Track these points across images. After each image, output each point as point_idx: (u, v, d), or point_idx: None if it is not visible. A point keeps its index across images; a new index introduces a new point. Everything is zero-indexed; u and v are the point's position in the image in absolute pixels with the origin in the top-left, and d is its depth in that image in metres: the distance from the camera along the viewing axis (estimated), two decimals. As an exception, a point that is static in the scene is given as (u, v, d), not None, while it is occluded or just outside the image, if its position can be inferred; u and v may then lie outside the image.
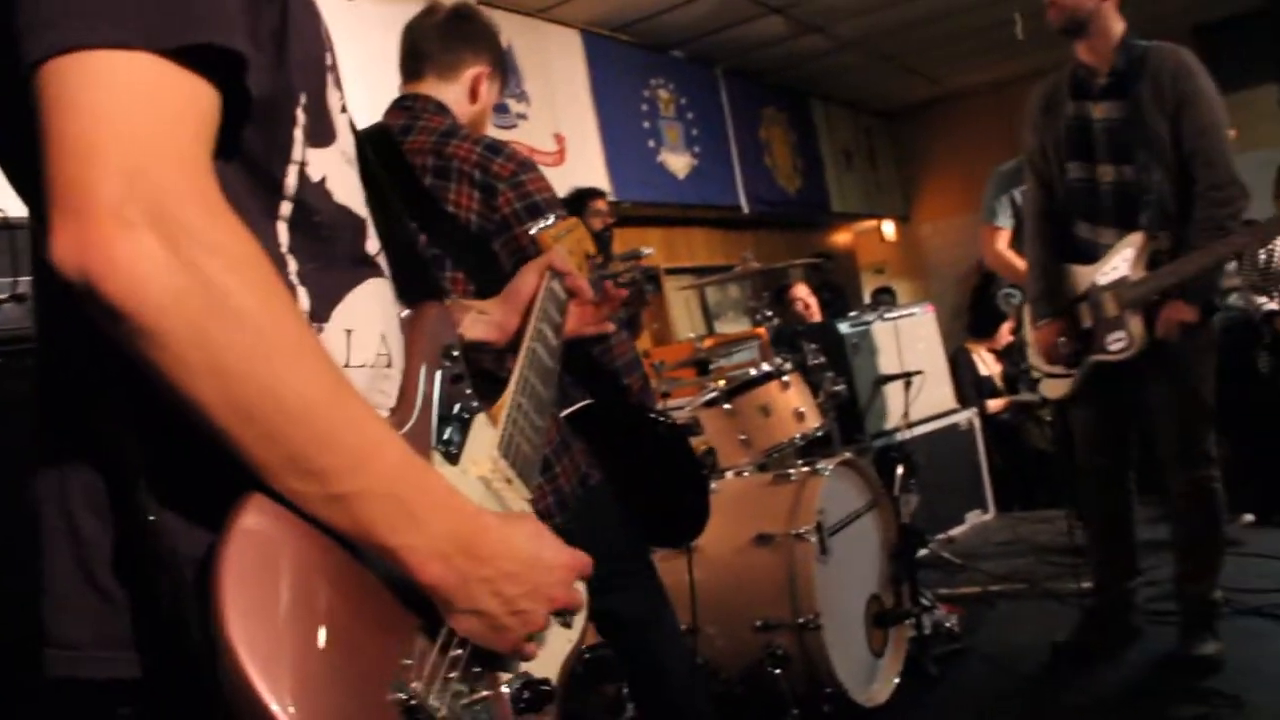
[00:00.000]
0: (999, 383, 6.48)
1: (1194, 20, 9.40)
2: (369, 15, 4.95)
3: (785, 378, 3.74)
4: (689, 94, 7.74)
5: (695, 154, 7.65)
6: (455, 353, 1.15)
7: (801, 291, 6.00)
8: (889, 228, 11.45)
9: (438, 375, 1.10)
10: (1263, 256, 5.35)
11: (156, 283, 0.75)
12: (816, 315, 5.99)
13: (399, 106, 2.34)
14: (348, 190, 1.04)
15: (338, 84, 1.06)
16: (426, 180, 2.15)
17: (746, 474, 3.78)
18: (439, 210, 2.13)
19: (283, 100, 0.94)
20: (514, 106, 6.02)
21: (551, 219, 1.68)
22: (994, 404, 6.32)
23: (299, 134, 0.96)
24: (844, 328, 5.46)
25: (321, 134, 1.00)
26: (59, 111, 0.76)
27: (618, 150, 6.77)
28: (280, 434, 0.81)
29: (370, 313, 1.04)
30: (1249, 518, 4.73)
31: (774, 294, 6.13)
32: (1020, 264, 4.29)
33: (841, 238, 11.35)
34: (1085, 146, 3.43)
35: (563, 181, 6.18)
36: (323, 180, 0.99)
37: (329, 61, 1.04)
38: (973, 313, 9.73)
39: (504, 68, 2.52)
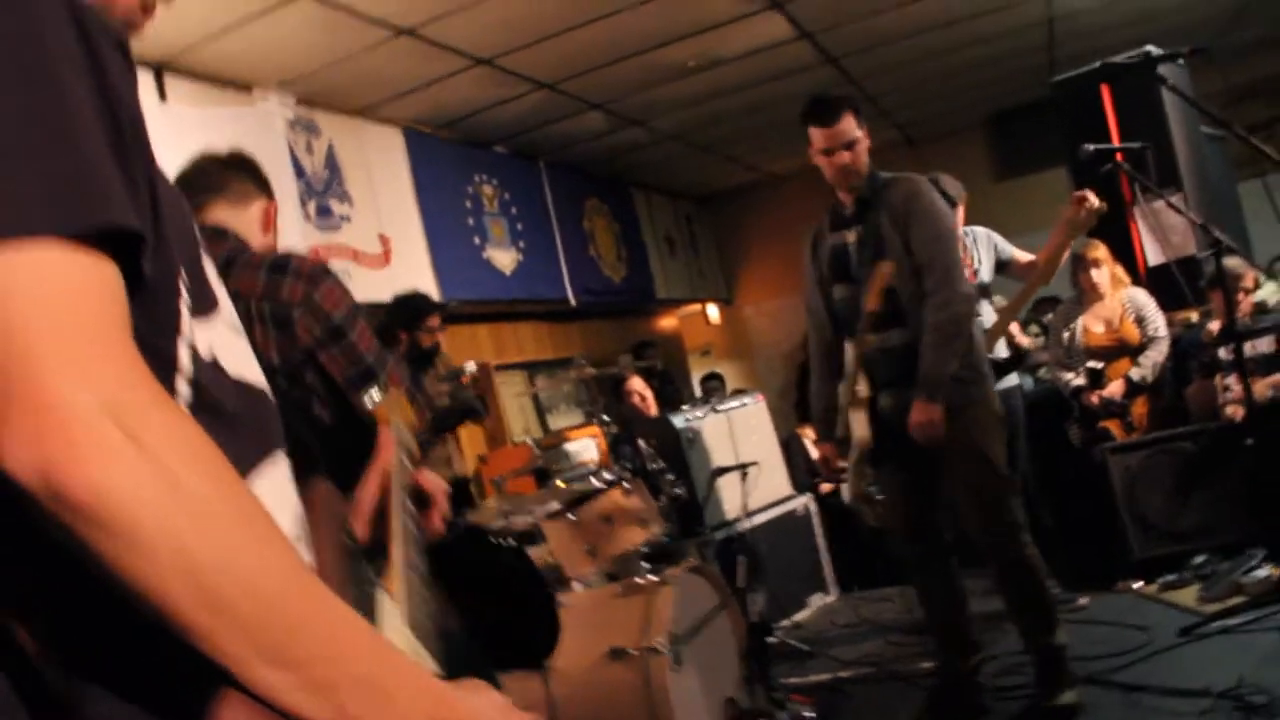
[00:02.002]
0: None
1: (987, 110, 9.99)
2: (185, 117, 4.81)
3: (626, 484, 3.72)
4: (512, 188, 7.76)
5: (520, 248, 7.65)
6: (349, 530, 1.11)
7: (637, 385, 6.02)
8: (713, 311, 11.67)
9: (343, 556, 1.08)
10: (1066, 334, 5.65)
11: (123, 477, 0.70)
12: (653, 407, 6.01)
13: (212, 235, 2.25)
14: (240, 361, 1.00)
15: (205, 248, 1.01)
16: None
17: (594, 585, 3.73)
18: None
19: (163, 275, 0.89)
20: (337, 208, 5.91)
21: (375, 390, 1.61)
22: (826, 486, 6.44)
23: (183, 307, 0.91)
24: (679, 422, 5.49)
25: (204, 304, 0.96)
26: None
27: (443, 249, 6.71)
28: (255, 624, 0.76)
29: (282, 492, 0.99)
30: (1083, 601, 4.87)
31: (610, 388, 6.15)
32: None
33: (667, 322, 11.49)
34: (844, 269, 3.79)
35: (389, 283, 6.08)
36: (213, 355, 0.95)
37: (196, 232, 1.00)
38: (799, 392, 10.00)
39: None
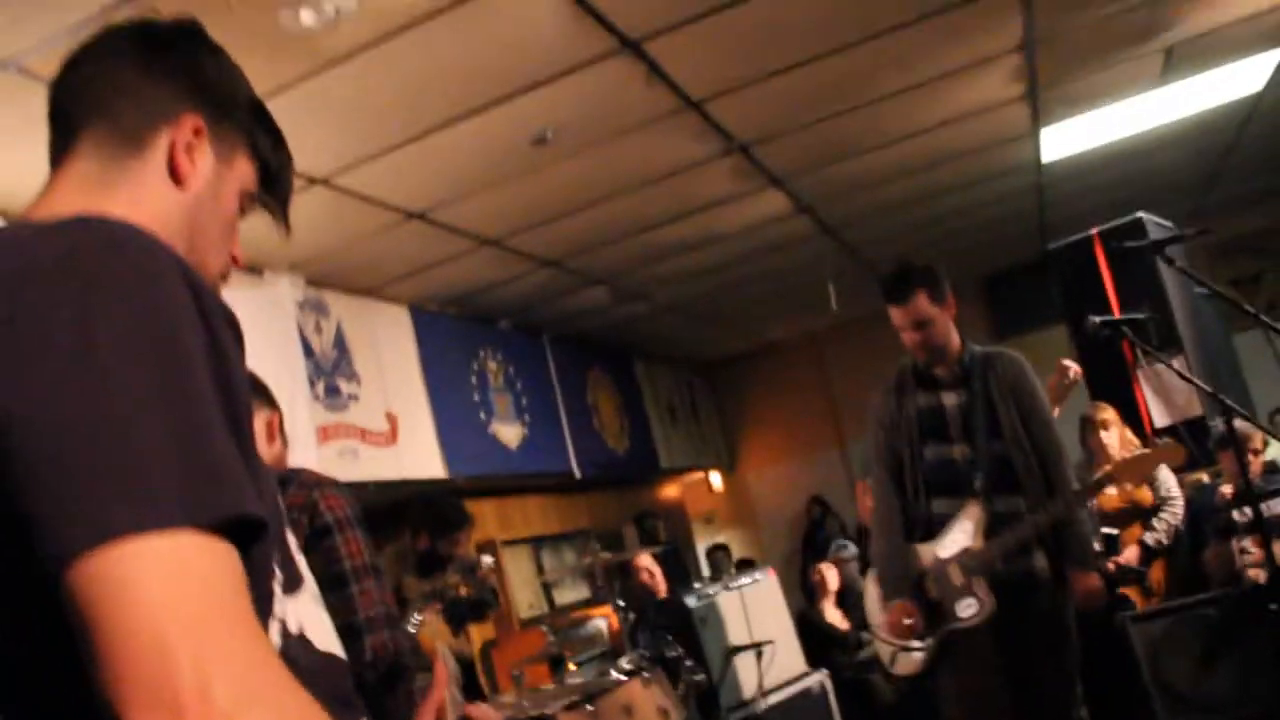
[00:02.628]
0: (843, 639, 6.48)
1: (984, 272, 10.17)
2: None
3: (646, 674, 3.63)
4: (517, 363, 7.81)
5: (525, 422, 7.65)
6: None
7: (645, 561, 5.94)
8: (716, 478, 11.63)
9: None
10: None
11: None
12: (661, 585, 5.91)
13: None
14: (323, 634, 1.02)
15: (286, 522, 1.06)
16: None
17: (614, 779, 3.60)
18: None
19: (264, 555, 0.92)
20: (345, 387, 5.93)
21: (416, 618, 1.60)
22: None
23: (277, 587, 0.95)
24: (690, 601, 5.41)
25: (292, 580, 0.99)
26: (115, 606, 0.72)
27: (449, 425, 6.71)
28: None
29: None
30: None
31: (617, 565, 6.06)
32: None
33: (670, 491, 11.44)
34: (940, 429, 3.76)
35: (395, 462, 6.07)
36: (301, 631, 0.98)
37: (280, 503, 1.04)
38: (804, 558, 9.89)
39: None
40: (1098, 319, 4.66)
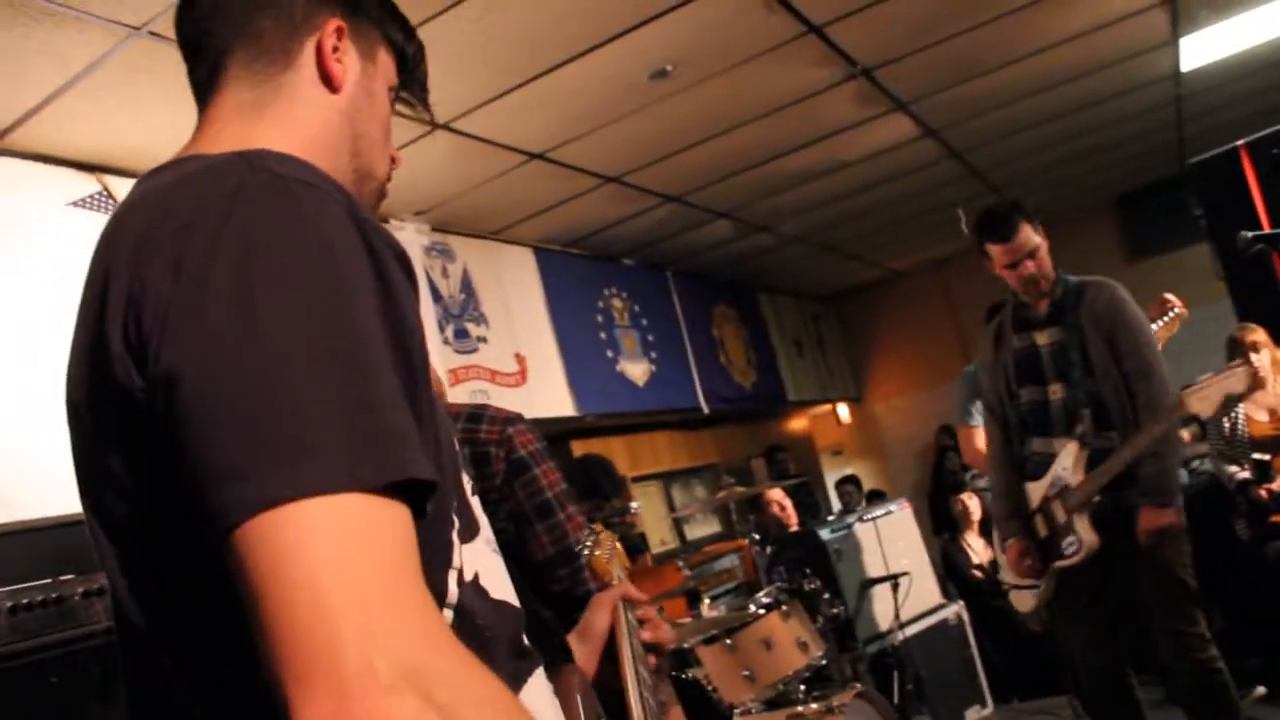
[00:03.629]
0: (987, 570, 6.38)
1: (1117, 191, 9.79)
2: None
3: (785, 607, 3.63)
4: (642, 300, 7.81)
5: (652, 359, 7.66)
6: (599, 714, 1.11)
7: (776, 495, 5.91)
8: (844, 410, 11.52)
9: None
10: (1227, 424, 5.39)
11: None
12: (793, 518, 5.89)
13: None
14: (499, 582, 1.01)
15: (464, 465, 1.05)
16: None
17: (754, 712, 3.61)
18: None
19: (442, 507, 0.90)
20: (473, 330, 6.01)
21: (591, 536, 1.62)
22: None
23: (455, 537, 0.93)
24: (825, 534, 5.38)
25: (469, 529, 0.97)
26: (277, 575, 0.70)
27: (577, 364, 6.76)
28: None
29: (543, 710, 1.00)
30: (1260, 690, 4.61)
31: (749, 504, 6.06)
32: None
33: (798, 424, 11.38)
34: (1035, 371, 3.74)
35: (526, 401, 6.14)
36: (475, 578, 0.96)
37: (456, 446, 1.02)
38: (933, 486, 9.77)
39: None
40: (1249, 234, 4.44)
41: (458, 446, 2.06)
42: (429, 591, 0.76)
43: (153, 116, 3.82)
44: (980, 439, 4.77)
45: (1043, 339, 3.72)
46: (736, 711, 3.57)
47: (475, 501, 1.03)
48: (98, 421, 0.86)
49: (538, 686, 1.01)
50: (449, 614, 0.90)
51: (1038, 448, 3.75)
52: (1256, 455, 5.27)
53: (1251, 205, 5.60)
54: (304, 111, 1.06)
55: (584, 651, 1.46)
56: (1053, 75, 6.21)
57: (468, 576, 0.94)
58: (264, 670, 0.70)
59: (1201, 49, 6.40)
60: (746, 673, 3.57)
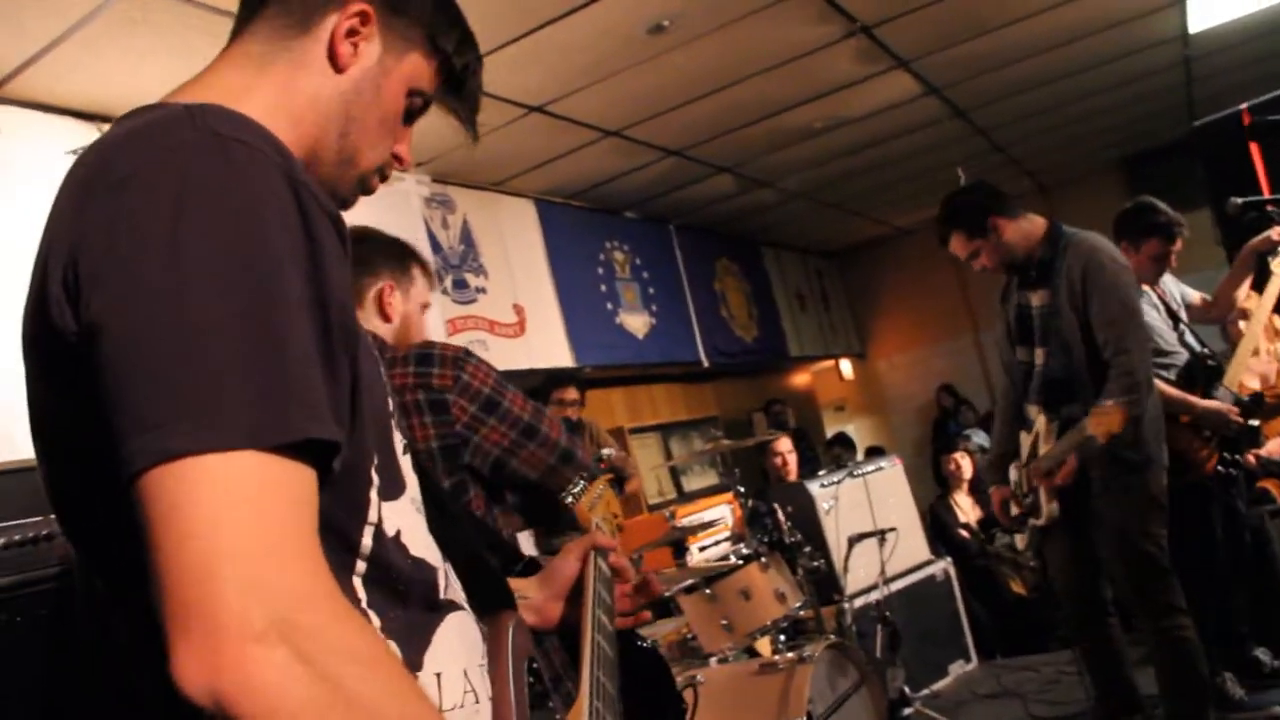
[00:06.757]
0: (975, 529, 6.45)
1: (1123, 153, 9.75)
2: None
3: (764, 559, 3.71)
4: (644, 253, 7.84)
5: (653, 312, 7.71)
6: (535, 664, 1.14)
7: (784, 446, 5.96)
8: (846, 366, 11.56)
9: (525, 695, 1.11)
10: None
11: (294, 699, 0.72)
12: (793, 472, 5.95)
13: None
14: (420, 541, 1.05)
15: (396, 424, 1.07)
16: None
17: (732, 660, 3.71)
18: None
19: (359, 465, 0.94)
20: (472, 280, 6.06)
21: (580, 484, 1.65)
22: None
23: (374, 494, 0.96)
24: (814, 488, 5.44)
25: (393, 487, 1.01)
26: (168, 526, 0.75)
27: (576, 316, 6.81)
28: None
29: (454, 652, 1.03)
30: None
31: (747, 456, 6.10)
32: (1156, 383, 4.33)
33: (800, 379, 11.43)
34: (1027, 332, 3.70)
35: (524, 352, 6.20)
36: (397, 534, 1.00)
37: (390, 404, 1.05)
38: (935, 446, 9.81)
39: (409, 268, 2.43)
40: (1240, 200, 4.46)
41: (415, 394, 2.11)
42: (321, 547, 0.80)
43: (150, 67, 3.87)
44: None
45: (1036, 299, 3.66)
46: (714, 658, 3.67)
47: (406, 461, 1.06)
48: (39, 361, 0.92)
49: (454, 628, 1.05)
50: (362, 565, 0.94)
51: (1030, 411, 3.76)
52: (1250, 421, 5.29)
53: (1253, 170, 5.59)
54: (304, 80, 1.09)
55: (545, 594, 1.50)
56: (1057, 35, 6.19)
57: (390, 532, 0.98)
58: (155, 615, 0.75)
59: (1210, 10, 6.36)
60: (725, 622, 3.66)
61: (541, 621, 1.48)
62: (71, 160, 0.95)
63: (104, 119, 4.12)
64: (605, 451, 2.33)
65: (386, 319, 2.33)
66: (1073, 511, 3.57)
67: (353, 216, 1.23)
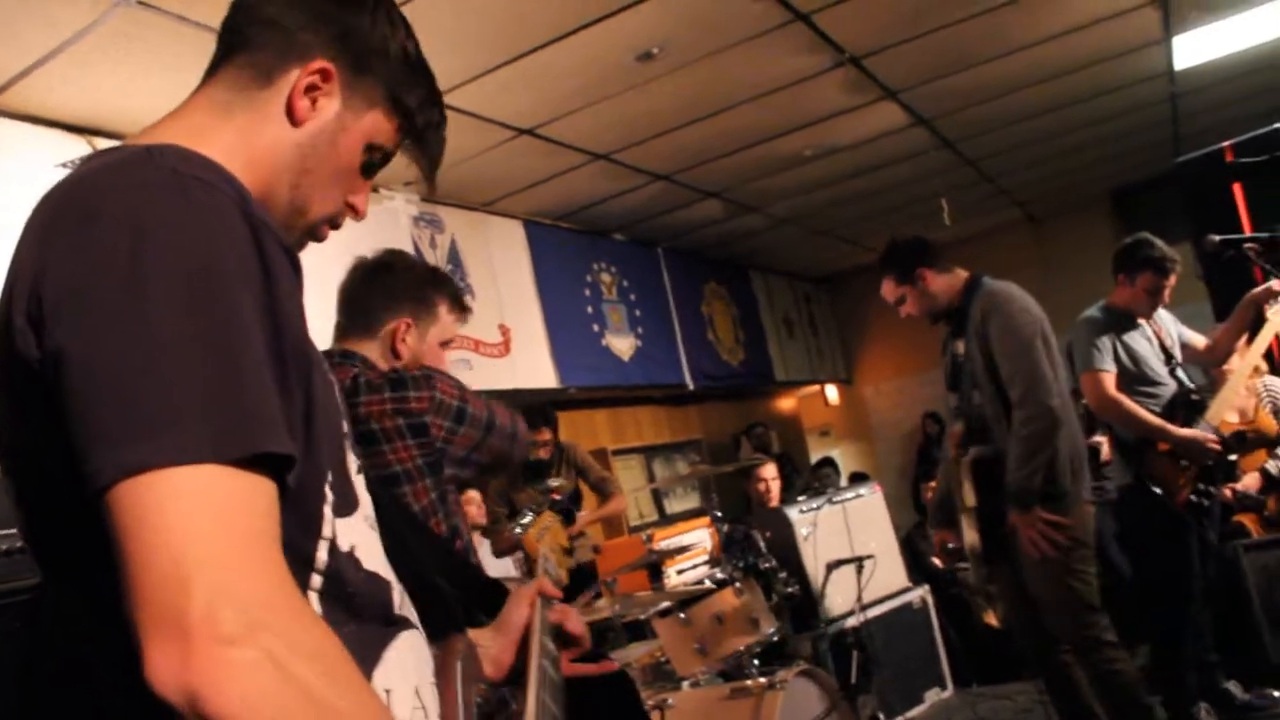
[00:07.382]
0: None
1: (1111, 185, 9.83)
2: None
3: (738, 585, 3.73)
4: (631, 275, 7.88)
5: (639, 334, 7.74)
6: (485, 689, 1.16)
7: (768, 473, 5.98)
8: (832, 391, 11.60)
9: (474, 715, 1.14)
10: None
11: (265, 698, 0.77)
12: (775, 498, 5.97)
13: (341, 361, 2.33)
14: (373, 556, 1.09)
15: (351, 446, 1.11)
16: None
17: (705, 684, 3.73)
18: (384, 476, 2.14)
19: (313, 481, 0.98)
20: (459, 300, 6.08)
21: (529, 516, 1.69)
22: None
23: (328, 510, 1.01)
24: (793, 514, 5.47)
25: (346, 504, 1.05)
26: (138, 536, 0.79)
27: (562, 336, 6.84)
28: None
29: (405, 668, 1.07)
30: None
31: (730, 480, 6.12)
32: (1135, 408, 4.36)
33: (786, 403, 11.47)
34: (955, 378, 3.86)
35: (509, 372, 6.23)
36: (351, 550, 1.04)
37: (345, 427, 1.10)
38: (917, 473, 9.86)
39: (434, 304, 2.42)
40: (1217, 237, 4.50)
41: (394, 420, 2.15)
42: (283, 556, 0.84)
43: (141, 82, 3.91)
44: (1111, 383, 4.44)
45: (960, 347, 3.82)
46: (686, 682, 3.69)
47: (359, 480, 1.11)
48: (4, 387, 0.96)
49: (406, 646, 1.08)
50: (318, 579, 0.98)
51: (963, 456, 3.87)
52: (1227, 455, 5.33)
53: (1235, 207, 5.65)
54: (262, 129, 1.13)
55: (500, 643, 1.52)
56: (1044, 69, 6.26)
57: (344, 548, 1.02)
58: (128, 622, 0.79)
59: (1195, 48, 6.43)
60: (699, 646, 3.68)
61: (496, 672, 1.49)
62: (62, 174, 0.99)
63: (95, 133, 4.15)
64: (552, 483, 2.37)
65: (397, 356, 2.33)
66: (1010, 547, 3.65)
67: (339, 234, 1.28)
